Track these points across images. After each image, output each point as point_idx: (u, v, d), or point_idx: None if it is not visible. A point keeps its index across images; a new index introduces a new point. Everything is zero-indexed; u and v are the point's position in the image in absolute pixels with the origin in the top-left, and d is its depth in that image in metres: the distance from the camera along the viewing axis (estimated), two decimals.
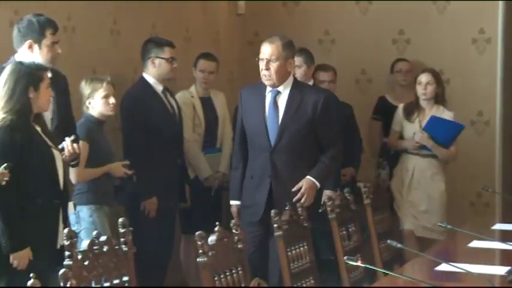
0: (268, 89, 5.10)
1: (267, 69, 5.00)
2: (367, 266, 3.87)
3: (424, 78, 6.20)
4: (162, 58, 5.71)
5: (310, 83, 5.99)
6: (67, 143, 4.55)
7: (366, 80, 7.45)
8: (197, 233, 3.46)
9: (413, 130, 6.23)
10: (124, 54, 6.04)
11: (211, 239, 3.52)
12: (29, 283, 2.62)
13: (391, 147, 6.51)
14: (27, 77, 4.21)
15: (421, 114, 6.24)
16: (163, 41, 5.79)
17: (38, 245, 4.17)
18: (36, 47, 4.67)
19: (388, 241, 4.00)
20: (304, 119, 5.05)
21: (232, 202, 5.29)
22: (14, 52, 4.70)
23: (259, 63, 5.04)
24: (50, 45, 4.66)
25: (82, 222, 5.06)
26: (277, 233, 4.03)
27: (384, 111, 6.87)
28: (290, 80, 5.13)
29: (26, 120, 4.20)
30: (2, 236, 4.11)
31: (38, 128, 4.29)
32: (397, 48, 7.33)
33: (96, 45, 5.78)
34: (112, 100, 5.24)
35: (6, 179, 3.91)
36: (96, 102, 5.22)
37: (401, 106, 6.37)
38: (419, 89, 6.21)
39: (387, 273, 4.00)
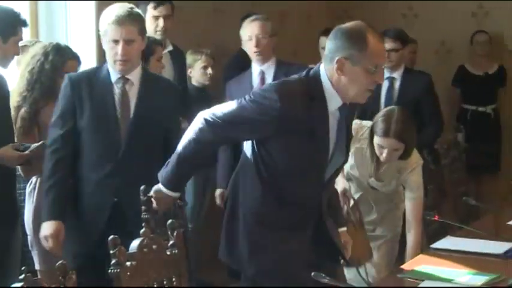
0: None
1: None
2: (444, 220, 3.82)
3: (388, 143, 3.71)
4: None
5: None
6: None
7: (444, 51, 7.13)
8: None
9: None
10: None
11: None
12: None
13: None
14: None
15: None
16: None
17: None
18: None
19: (464, 198, 3.86)
20: None
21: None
22: None
23: None
24: (152, 18, 4.68)
25: None
26: None
27: (463, 79, 6.74)
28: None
29: None
30: None
31: None
32: (476, 21, 6.98)
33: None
34: (209, 71, 5.14)
35: None
36: (196, 72, 5.11)
37: None
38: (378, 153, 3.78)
39: (462, 227, 3.82)
